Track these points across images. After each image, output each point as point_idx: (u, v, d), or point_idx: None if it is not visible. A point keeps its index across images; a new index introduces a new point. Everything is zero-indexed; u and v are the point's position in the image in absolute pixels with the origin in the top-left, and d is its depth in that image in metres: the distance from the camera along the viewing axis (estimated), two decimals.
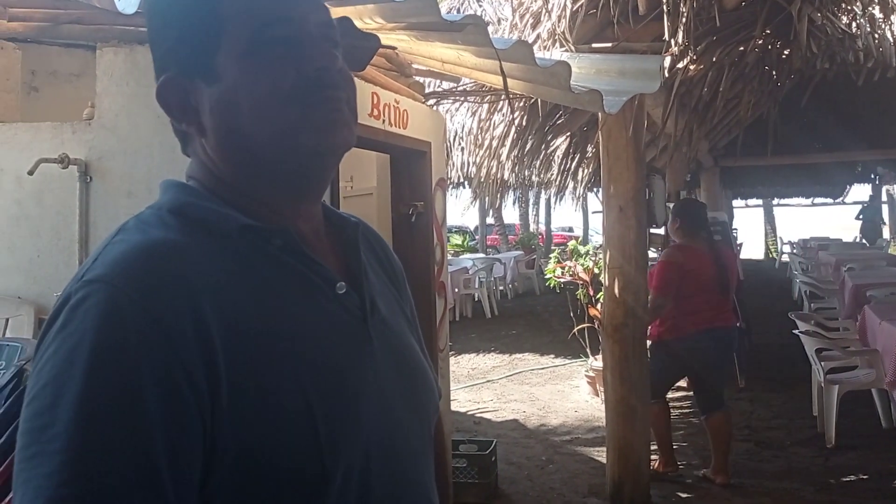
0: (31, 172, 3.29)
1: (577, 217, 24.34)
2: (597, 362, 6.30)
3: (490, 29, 4.16)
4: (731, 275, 4.61)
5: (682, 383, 6.94)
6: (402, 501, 0.87)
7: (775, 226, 24.56)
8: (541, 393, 6.91)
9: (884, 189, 19.85)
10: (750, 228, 23.96)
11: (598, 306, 5.87)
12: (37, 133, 3.53)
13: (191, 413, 0.70)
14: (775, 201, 23.47)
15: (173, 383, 0.70)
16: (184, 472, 0.70)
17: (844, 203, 21.89)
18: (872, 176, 15.75)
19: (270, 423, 0.74)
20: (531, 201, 22.00)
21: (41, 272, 3.54)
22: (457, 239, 18.91)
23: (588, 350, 6.80)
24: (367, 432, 0.83)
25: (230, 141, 0.84)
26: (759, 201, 23.48)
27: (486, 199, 13.15)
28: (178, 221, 0.82)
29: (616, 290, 4.19)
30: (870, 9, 4.35)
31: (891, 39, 4.29)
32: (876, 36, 4.26)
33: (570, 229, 27.84)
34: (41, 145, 3.46)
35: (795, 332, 5.48)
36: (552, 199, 19.11)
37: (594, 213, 19.57)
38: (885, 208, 20.73)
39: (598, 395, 6.39)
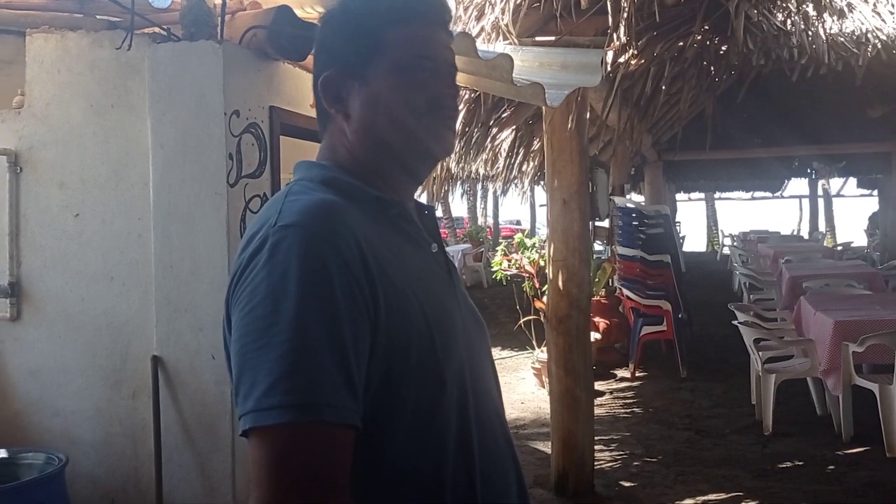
0: None
1: (525, 210, 24.52)
2: (543, 354, 6.35)
3: None
4: None
5: (626, 373, 7.08)
6: (491, 424, 1.15)
7: (717, 219, 25.11)
8: None
9: (819, 184, 20.45)
10: (693, 222, 24.43)
11: (544, 298, 5.93)
12: None
13: (365, 318, 0.99)
14: (717, 195, 23.98)
15: (354, 297, 0.98)
16: (361, 357, 0.99)
17: (783, 197, 22.48)
18: (809, 171, 16.21)
19: (404, 327, 1.03)
20: (479, 194, 22.06)
21: None
22: None
23: (534, 342, 6.86)
24: (461, 353, 1.11)
25: (370, 133, 1.14)
26: (702, 195, 23.96)
27: (433, 190, 13.12)
28: (331, 189, 1.10)
29: (560, 283, 4.23)
30: (804, 6, 4.46)
31: (823, 37, 4.40)
32: (809, 33, 4.36)
33: (518, 222, 28.02)
34: None
35: (735, 322, 5.60)
36: (499, 193, 19.21)
37: (541, 206, 19.74)
38: (820, 202, 21.37)
39: (544, 387, 6.45)
